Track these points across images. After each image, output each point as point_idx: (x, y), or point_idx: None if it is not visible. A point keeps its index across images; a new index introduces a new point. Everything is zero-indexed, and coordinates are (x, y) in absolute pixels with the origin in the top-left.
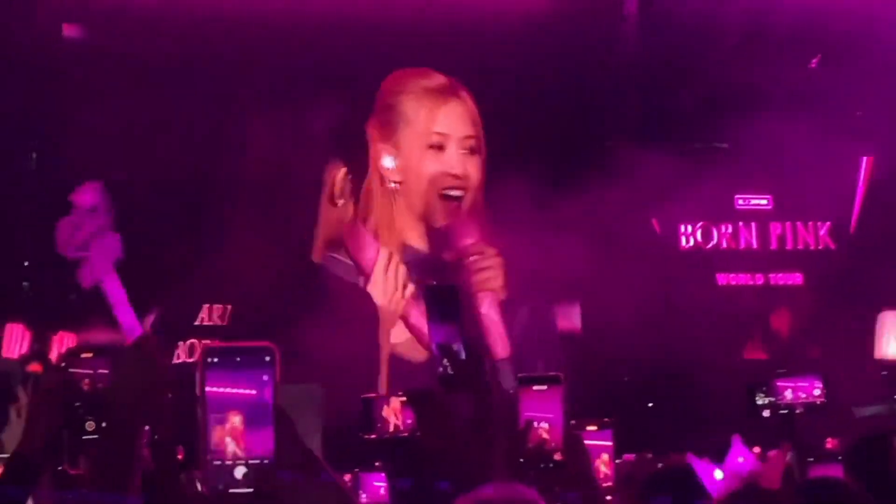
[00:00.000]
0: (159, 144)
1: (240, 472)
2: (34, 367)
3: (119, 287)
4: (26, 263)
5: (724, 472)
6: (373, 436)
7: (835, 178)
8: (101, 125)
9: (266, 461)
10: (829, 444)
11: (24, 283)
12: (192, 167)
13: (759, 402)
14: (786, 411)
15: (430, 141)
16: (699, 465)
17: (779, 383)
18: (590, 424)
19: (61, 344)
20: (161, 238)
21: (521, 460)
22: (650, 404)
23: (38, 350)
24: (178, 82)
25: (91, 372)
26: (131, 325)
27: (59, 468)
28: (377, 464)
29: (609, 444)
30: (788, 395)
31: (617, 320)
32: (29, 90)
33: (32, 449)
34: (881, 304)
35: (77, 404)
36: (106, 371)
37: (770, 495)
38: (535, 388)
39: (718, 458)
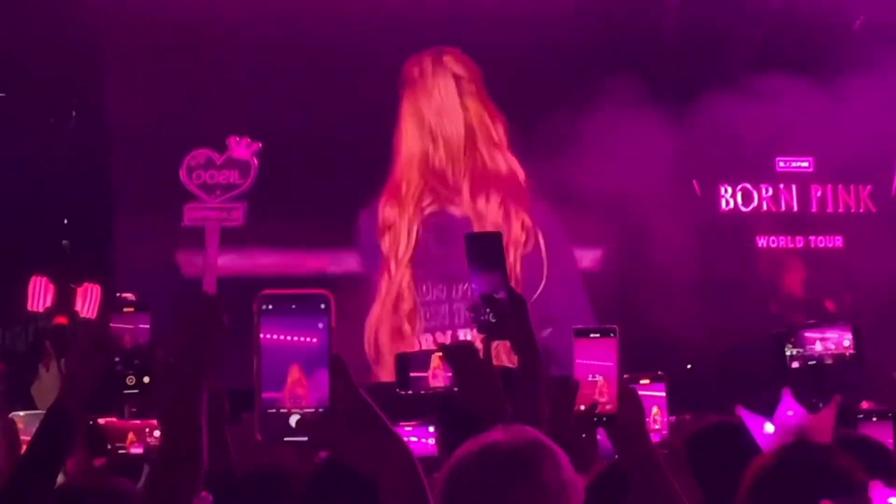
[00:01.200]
0: (196, 105)
1: (294, 420)
2: (60, 319)
3: (216, 249)
4: (66, 221)
5: (774, 425)
6: (409, 392)
7: (877, 140)
8: (139, 87)
9: (321, 409)
10: (865, 404)
11: (64, 242)
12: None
13: (788, 353)
14: (814, 363)
15: None
16: (750, 418)
17: (807, 334)
18: (643, 378)
19: (85, 296)
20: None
21: (574, 417)
22: (689, 366)
23: (64, 303)
24: (214, 46)
25: (131, 327)
26: (210, 286)
27: (91, 422)
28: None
29: (662, 395)
30: (818, 346)
31: (656, 281)
32: (69, 51)
33: (73, 401)
34: None
35: (117, 359)
36: (147, 326)
37: (821, 449)
38: (591, 336)
39: (767, 413)
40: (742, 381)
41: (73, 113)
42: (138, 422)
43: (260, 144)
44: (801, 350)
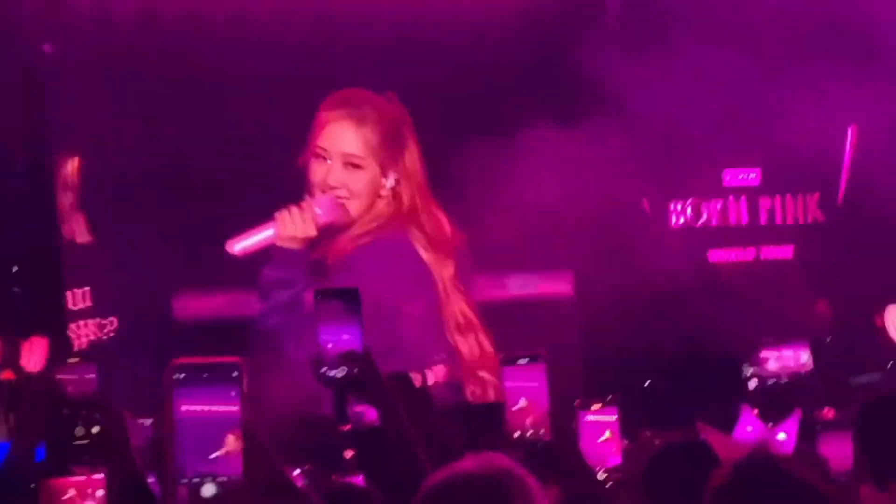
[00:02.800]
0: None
1: (209, 490)
2: (6, 374)
3: None
4: (15, 269)
5: (735, 438)
6: (347, 427)
7: (822, 148)
8: (87, 143)
9: (235, 478)
10: (828, 413)
11: (15, 289)
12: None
13: (745, 373)
14: (773, 381)
15: (315, 152)
16: (711, 434)
17: (763, 353)
18: (594, 403)
19: (31, 349)
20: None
21: (507, 441)
22: (647, 383)
23: (10, 357)
24: (166, 95)
25: (76, 377)
26: None
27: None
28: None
29: (614, 419)
30: (771, 365)
31: (611, 301)
32: (10, 105)
33: (24, 458)
34: (872, 274)
35: (65, 411)
36: (93, 376)
37: (781, 460)
38: (518, 363)
39: (726, 429)
40: (701, 398)
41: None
42: (82, 478)
43: None
44: (756, 369)
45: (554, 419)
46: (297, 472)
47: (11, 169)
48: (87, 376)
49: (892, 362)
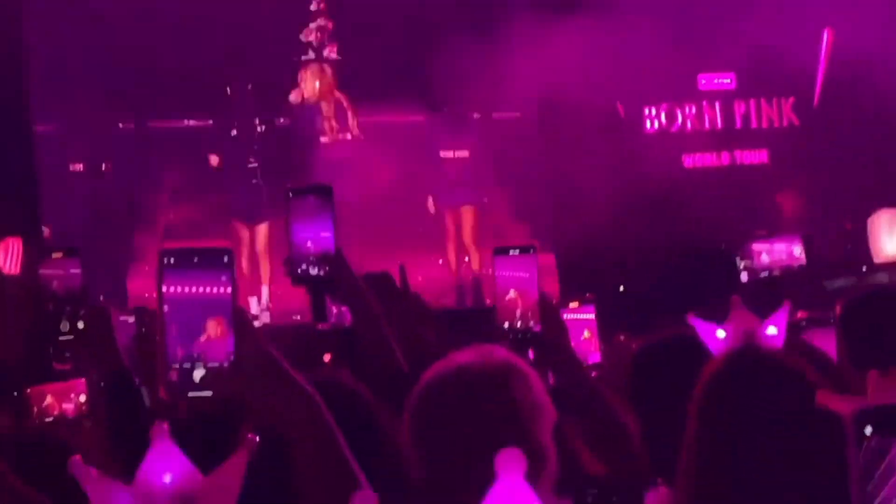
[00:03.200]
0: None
1: (198, 374)
2: None
3: None
4: None
5: (725, 332)
6: (327, 326)
7: (797, 52)
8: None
9: (225, 364)
10: (801, 314)
11: None
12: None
13: (738, 266)
14: (765, 274)
15: None
16: (702, 325)
17: (755, 246)
18: (572, 301)
19: (7, 251)
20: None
21: (500, 329)
22: (621, 287)
23: None
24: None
25: (62, 272)
26: None
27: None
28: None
29: (592, 317)
30: (765, 258)
31: (588, 206)
32: None
33: (10, 354)
34: (847, 178)
35: (49, 307)
36: (77, 271)
37: (772, 351)
38: (510, 254)
39: (718, 321)
40: (686, 298)
41: None
42: (62, 384)
43: None
44: (749, 262)
45: (543, 310)
46: None
47: None
48: (71, 271)
49: (865, 266)
